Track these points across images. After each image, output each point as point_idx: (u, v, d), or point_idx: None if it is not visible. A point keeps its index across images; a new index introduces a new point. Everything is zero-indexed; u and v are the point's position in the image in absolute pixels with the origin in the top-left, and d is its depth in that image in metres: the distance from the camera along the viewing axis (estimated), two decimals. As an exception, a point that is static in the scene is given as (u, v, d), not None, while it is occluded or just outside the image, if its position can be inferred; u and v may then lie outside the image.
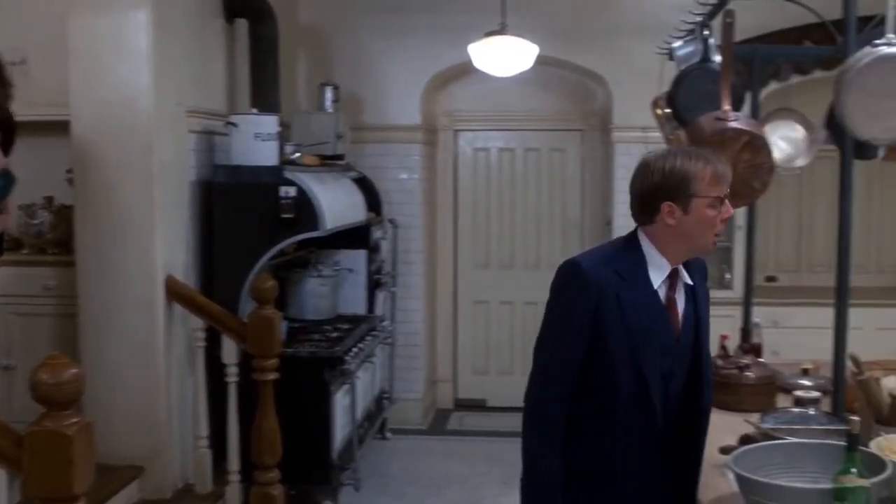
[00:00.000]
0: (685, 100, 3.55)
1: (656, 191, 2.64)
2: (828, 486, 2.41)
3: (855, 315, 7.19)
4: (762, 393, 3.64)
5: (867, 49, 2.72)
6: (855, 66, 2.70)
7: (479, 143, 7.89)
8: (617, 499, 2.78)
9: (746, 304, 4.66)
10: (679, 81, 3.65)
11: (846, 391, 3.27)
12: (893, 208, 7.72)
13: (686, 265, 2.77)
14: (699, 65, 3.60)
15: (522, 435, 2.82)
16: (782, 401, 3.69)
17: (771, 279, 7.76)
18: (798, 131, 4.93)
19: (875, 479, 2.46)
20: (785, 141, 4.91)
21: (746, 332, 4.48)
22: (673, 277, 2.72)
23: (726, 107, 2.97)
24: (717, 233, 2.67)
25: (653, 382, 2.69)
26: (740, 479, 2.59)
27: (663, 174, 2.63)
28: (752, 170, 2.95)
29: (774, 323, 6.43)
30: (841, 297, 3.17)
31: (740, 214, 6.19)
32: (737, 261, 6.94)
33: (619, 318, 2.64)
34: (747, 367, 3.75)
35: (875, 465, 2.58)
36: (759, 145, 2.95)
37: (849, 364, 3.22)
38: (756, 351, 4.25)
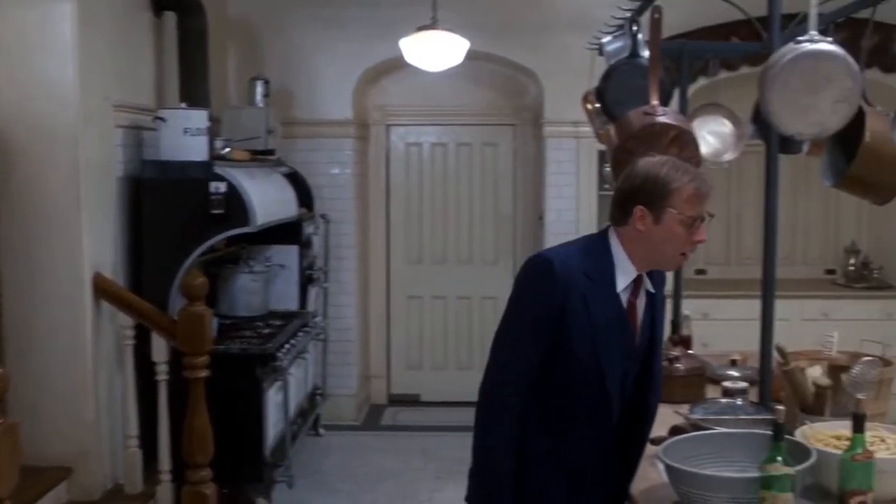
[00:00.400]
0: (614, 94, 3.58)
1: (635, 193, 2.62)
2: (755, 474, 2.45)
3: (782, 307, 7.29)
4: (692, 384, 3.70)
5: (790, 46, 2.76)
6: (778, 63, 2.75)
7: (412, 138, 7.89)
8: (568, 488, 2.78)
9: (676, 297, 4.71)
10: (608, 76, 3.68)
11: (773, 381, 3.32)
12: (819, 202, 7.86)
13: (650, 274, 2.76)
14: (628, 60, 3.64)
15: (476, 426, 2.77)
16: (711, 392, 3.74)
17: (700, 272, 7.86)
18: (726, 126, 4.99)
19: (800, 467, 2.50)
20: (713, 136, 4.96)
21: (676, 324, 4.54)
22: (637, 283, 2.72)
23: (654, 102, 3.00)
24: (685, 252, 2.65)
25: (611, 381, 2.70)
26: (670, 470, 2.62)
27: (645, 178, 2.62)
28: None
29: (704, 315, 6.52)
30: (767, 289, 3.22)
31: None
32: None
33: (584, 319, 2.63)
34: (677, 358, 3.80)
35: (800, 453, 2.63)
36: (686, 140, 2.99)
37: (775, 355, 3.28)
38: (686, 343, 4.31)
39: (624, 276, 2.69)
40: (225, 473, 4.98)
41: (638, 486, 2.85)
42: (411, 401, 7.89)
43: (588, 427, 2.74)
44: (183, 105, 5.37)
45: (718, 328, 6.18)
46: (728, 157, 4.92)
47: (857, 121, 3.28)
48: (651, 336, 2.83)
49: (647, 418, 2.89)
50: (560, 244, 2.82)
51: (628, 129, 3.02)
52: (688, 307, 4.86)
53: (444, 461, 6.33)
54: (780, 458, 2.39)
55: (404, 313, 7.95)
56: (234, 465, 5.09)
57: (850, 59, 2.72)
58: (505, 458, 2.71)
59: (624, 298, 2.71)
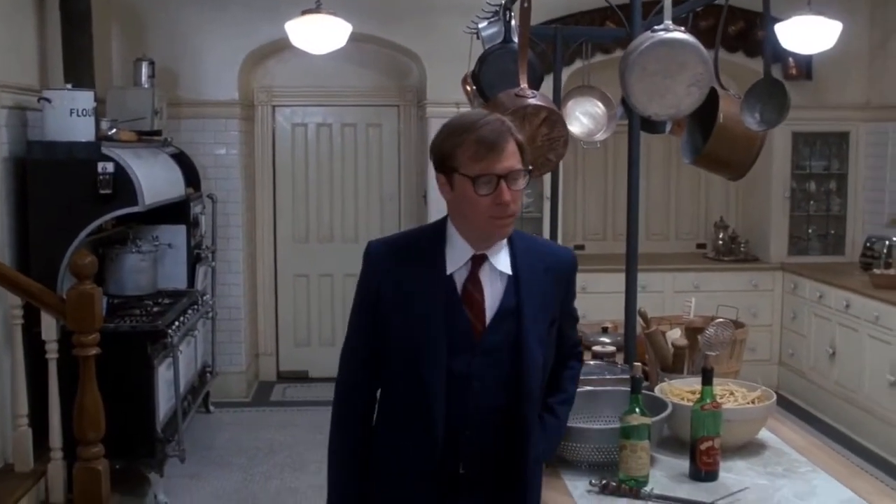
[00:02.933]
0: (489, 78, 3.78)
1: (433, 158, 2.36)
2: (616, 425, 2.70)
3: (656, 279, 7.70)
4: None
5: (647, 34, 3.00)
6: (637, 50, 2.98)
7: (297, 119, 7.99)
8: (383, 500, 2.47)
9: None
10: (483, 61, 3.88)
11: (638, 344, 3.58)
12: (690, 181, 8.24)
13: (529, 254, 2.41)
14: (501, 45, 3.84)
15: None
16: (586, 357, 3.98)
17: (579, 247, 8.16)
18: (598, 107, 5.24)
19: (656, 418, 2.77)
20: (586, 116, 5.21)
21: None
22: (476, 262, 2.35)
23: (523, 84, 3.21)
24: (497, 216, 2.27)
25: (434, 381, 2.31)
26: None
27: (433, 142, 2.37)
28: (550, 143, 3.20)
29: (582, 288, 6.74)
30: (630, 260, 3.46)
31: (547, 185, 6.48)
32: (546, 230, 7.28)
33: (399, 307, 2.34)
34: (551, 326, 4.03)
35: (658, 406, 2.90)
36: (555, 120, 3.20)
37: (639, 320, 3.54)
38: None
39: (456, 254, 2.35)
40: (117, 450, 5.05)
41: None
42: (300, 377, 8.03)
43: (410, 437, 2.37)
44: (68, 86, 5.40)
45: (596, 300, 6.45)
46: (600, 136, 5.17)
47: (713, 103, 3.57)
48: (517, 335, 2.36)
49: (522, 434, 2.38)
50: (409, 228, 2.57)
51: (501, 111, 3.21)
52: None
53: (332, 434, 6.50)
54: (637, 410, 2.64)
55: (292, 291, 8.07)
56: (126, 442, 5.17)
57: (701, 47, 2.96)
58: (341, 470, 2.47)
59: (458, 282, 2.35)
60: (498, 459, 2.39)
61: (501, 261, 2.38)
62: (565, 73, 6.63)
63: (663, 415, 2.82)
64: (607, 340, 4.17)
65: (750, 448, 2.97)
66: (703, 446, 2.69)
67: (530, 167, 2.34)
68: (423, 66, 7.43)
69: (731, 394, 3.04)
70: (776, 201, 7.79)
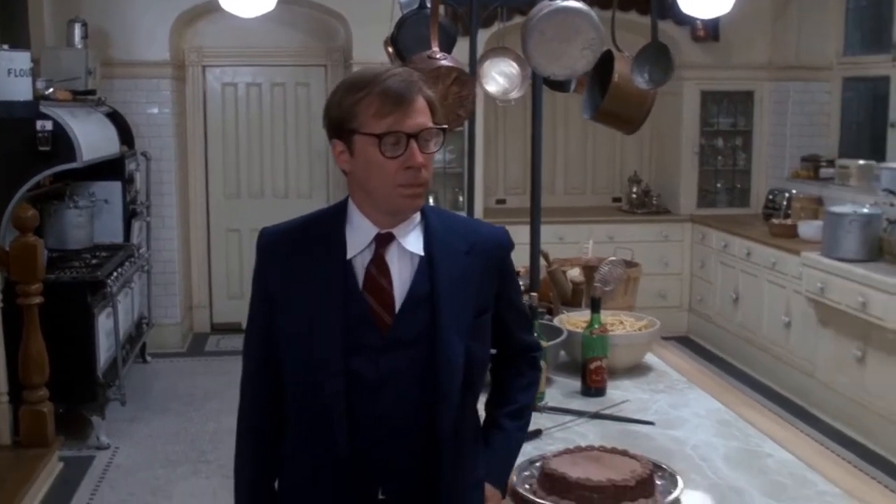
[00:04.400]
0: (406, 41, 4.08)
1: (327, 122, 2.02)
2: (515, 348, 3.08)
3: (573, 231, 8.09)
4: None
5: (545, 2, 3.34)
6: (536, 16, 3.32)
7: (227, 79, 8.22)
8: None
9: (470, 220, 5.30)
10: (401, 25, 4.18)
11: (543, 284, 3.96)
12: (606, 138, 8.62)
13: (447, 233, 2.08)
14: (418, 10, 4.14)
15: None
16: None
17: (501, 202, 8.52)
18: (513, 67, 5.55)
19: (551, 342, 3.15)
20: (501, 76, 5.51)
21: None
22: (382, 243, 2.02)
23: (435, 47, 3.54)
24: (406, 183, 1.95)
25: (329, 390, 1.98)
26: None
27: (329, 102, 2.02)
28: (460, 100, 3.53)
29: (502, 240, 7.18)
30: (535, 210, 3.80)
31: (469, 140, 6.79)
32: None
33: (290, 303, 2.03)
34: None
35: (557, 334, 3.28)
36: (464, 80, 3.53)
37: (543, 261, 3.91)
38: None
39: (358, 237, 2.03)
40: (60, 394, 5.38)
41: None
42: (233, 328, 8.30)
43: (315, 455, 2.04)
44: (5, 46, 5.59)
45: (516, 251, 6.81)
46: (515, 94, 5.47)
47: (610, 64, 3.93)
48: (431, 317, 2.01)
49: (439, 449, 2.02)
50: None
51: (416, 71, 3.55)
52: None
53: (266, 380, 6.82)
54: (535, 334, 3.02)
55: (224, 246, 8.34)
56: (69, 387, 5.46)
57: (594, 14, 3.31)
58: (247, 494, 2.19)
59: (360, 268, 2.02)
60: (425, 482, 2.03)
61: (412, 240, 2.04)
62: (484, 35, 6.98)
63: (558, 340, 3.21)
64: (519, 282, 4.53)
65: (637, 370, 3.38)
66: (592, 366, 3.09)
67: (444, 126, 2.02)
68: (349, 27, 7.70)
69: (621, 323, 3.44)
70: (686, 157, 8.22)
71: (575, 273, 3.81)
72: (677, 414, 2.97)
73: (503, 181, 8.63)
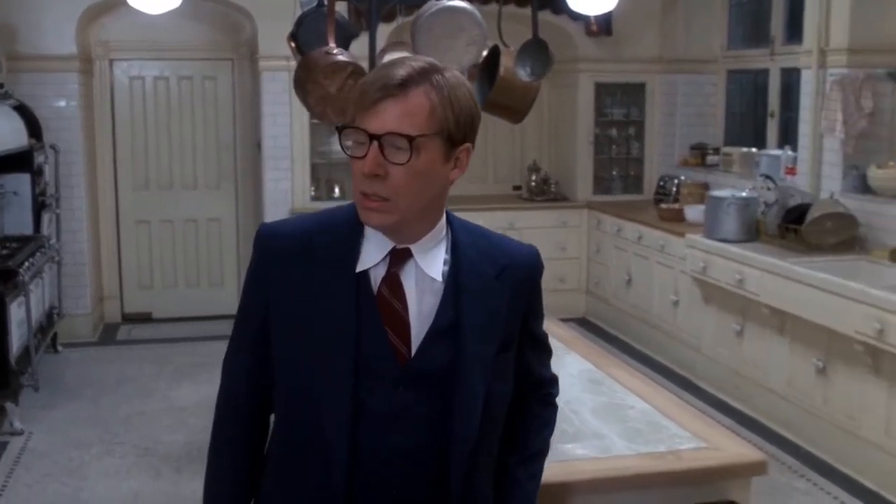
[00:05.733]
0: (305, 38, 4.32)
1: None
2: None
3: (475, 218, 8.37)
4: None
5: (433, 1, 3.64)
6: (424, 14, 3.62)
7: (135, 72, 8.35)
8: None
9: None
10: (301, 22, 4.42)
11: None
12: (507, 128, 8.89)
13: (476, 254, 1.87)
14: (316, 8, 4.39)
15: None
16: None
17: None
18: (411, 61, 5.86)
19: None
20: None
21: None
22: (396, 260, 1.81)
23: (332, 43, 3.81)
24: (364, 192, 1.75)
25: (333, 422, 1.79)
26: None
27: None
28: (355, 93, 3.81)
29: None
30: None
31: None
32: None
33: (292, 313, 1.83)
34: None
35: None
36: (360, 73, 3.80)
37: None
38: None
39: (373, 248, 1.82)
40: (-27, 381, 5.51)
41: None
42: (144, 318, 8.46)
43: (304, 487, 1.86)
44: (-88, 42, 5.70)
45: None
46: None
47: (498, 58, 4.23)
48: (455, 353, 1.81)
49: (446, 498, 1.85)
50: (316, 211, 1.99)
51: (314, 65, 3.81)
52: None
53: (177, 366, 7.02)
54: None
55: (134, 237, 8.46)
56: (-18, 374, 5.60)
57: (477, 13, 3.62)
58: (215, 473, 2.01)
59: (374, 283, 1.81)
60: None
61: (431, 261, 1.82)
62: (386, 30, 7.25)
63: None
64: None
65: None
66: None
67: (423, 134, 1.72)
68: (254, 21, 7.89)
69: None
70: (582, 146, 8.60)
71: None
72: (554, 375, 3.29)
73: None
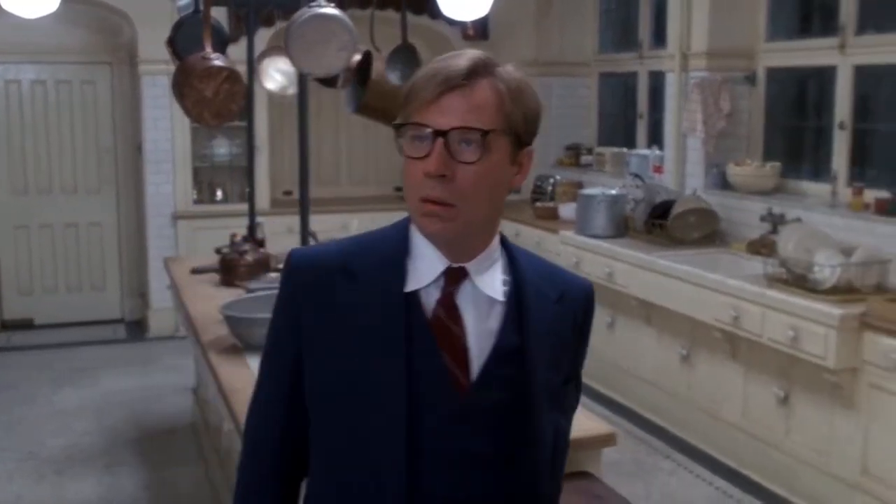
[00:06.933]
0: (183, 43, 4.43)
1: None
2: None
3: (358, 219, 8.41)
4: (258, 269, 4.70)
5: (305, 9, 3.78)
6: (297, 20, 3.75)
7: (10, 76, 8.26)
8: None
9: (251, 210, 5.64)
10: (178, 27, 4.53)
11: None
12: (387, 130, 9.08)
13: (536, 274, 1.70)
14: (193, 14, 4.50)
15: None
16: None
17: (288, 193, 8.86)
18: (289, 64, 5.97)
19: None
20: (279, 73, 5.93)
21: (252, 229, 5.49)
22: (452, 280, 1.63)
23: (208, 48, 3.92)
24: (425, 197, 1.56)
25: (384, 464, 1.57)
26: (229, 320, 3.61)
27: None
28: (231, 95, 3.93)
29: (289, 229, 7.56)
30: (304, 198, 4.23)
31: (257, 136, 7.12)
32: (260, 177, 7.90)
33: (331, 341, 1.62)
34: (247, 252, 4.79)
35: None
36: (235, 77, 3.94)
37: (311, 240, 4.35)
38: (259, 243, 5.30)
39: (423, 268, 1.62)
40: None
41: (205, 337, 3.80)
42: (25, 325, 8.36)
43: None
44: None
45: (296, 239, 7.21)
46: (291, 91, 5.90)
47: (370, 63, 4.39)
48: (521, 381, 1.62)
49: None
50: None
51: (191, 70, 3.92)
52: (283, 223, 5.92)
53: (59, 371, 7.00)
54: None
55: (13, 242, 8.36)
56: None
57: (347, 19, 3.77)
58: None
59: (430, 304, 1.61)
60: None
61: (489, 281, 1.65)
62: (266, 35, 7.37)
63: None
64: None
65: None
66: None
67: (490, 129, 1.55)
68: (133, 25, 7.89)
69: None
70: (461, 147, 8.79)
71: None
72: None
73: (289, 174, 8.96)
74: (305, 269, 1.67)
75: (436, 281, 1.61)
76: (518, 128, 1.60)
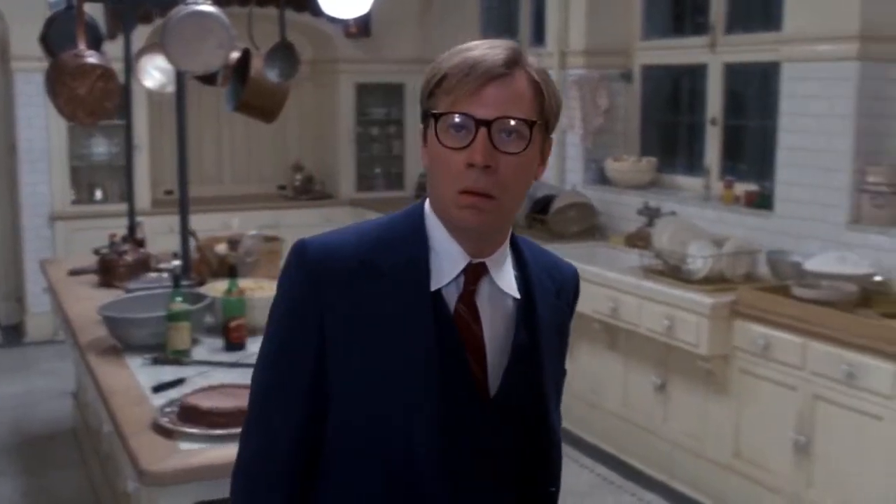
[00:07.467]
0: (56, 40, 4.35)
1: (420, 103, 1.62)
2: (162, 313, 3.48)
3: (240, 218, 8.36)
4: (137, 270, 4.65)
5: (182, 6, 3.75)
6: (174, 17, 3.73)
7: None
8: None
9: (131, 210, 5.57)
10: (50, 23, 4.44)
11: (198, 260, 4.37)
12: (269, 129, 8.95)
13: (539, 268, 1.68)
14: (66, 11, 4.41)
15: None
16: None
17: (169, 192, 8.73)
18: (167, 62, 5.90)
19: (196, 306, 3.57)
20: (158, 70, 5.85)
21: (132, 229, 5.42)
22: (472, 277, 1.59)
23: (82, 46, 3.86)
24: (463, 188, 1.51)
25: (427, 473, 1.54)
26: (108, 320, 3.57)
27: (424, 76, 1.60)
28: (106, 93, 3.88)
29: (171, 229, 7.45)
30: (183, 196, 4.21)
31: (138, 133, 6.99)
32: (140, 177, 7.77)
33: (359, 342, 1.56)
34: (126, 252, 4.73)
35: (201, 299, 3.71)
36: (109, 75, 3.88)
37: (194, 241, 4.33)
38: (139, 243, 5.23)
39: (445, 263, 1.58)
40: None
41: (83, 339, 3.75)
42: None
43: None
44: None
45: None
46: (170, 88, 5.83)
47: (248, 60, 4.38)
48: (535, 381, 1.63)
49: None
50: (354, 223, 1.71)
51: (63, 68, 3.86)
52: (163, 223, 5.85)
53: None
54: (179, 299, 3.43)
55: None
56: None
57: (224, 17, 3.75)
58: None
59: (451, 302, 1.58)
60: None
61: (505, 276, 1.62)
62: (145, 32, 7.25)
63: (202, 304, 3.63)
64: (177, 262, 4.90)
65: (277, 329, 3.85)
66: (233, 324, 3.54)
67: (534, 121, 1.53)
68: (5, 20, 7.68)
69: (262, 288, 3.91)
70: (344, 145, 8.81)
71: (221, 248, 4.24)
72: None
73: (171, 172, 8.83)
74: (328, 262, 1.57)
75: (455, 279, 1.57)
76: (550, 118, 1.58)
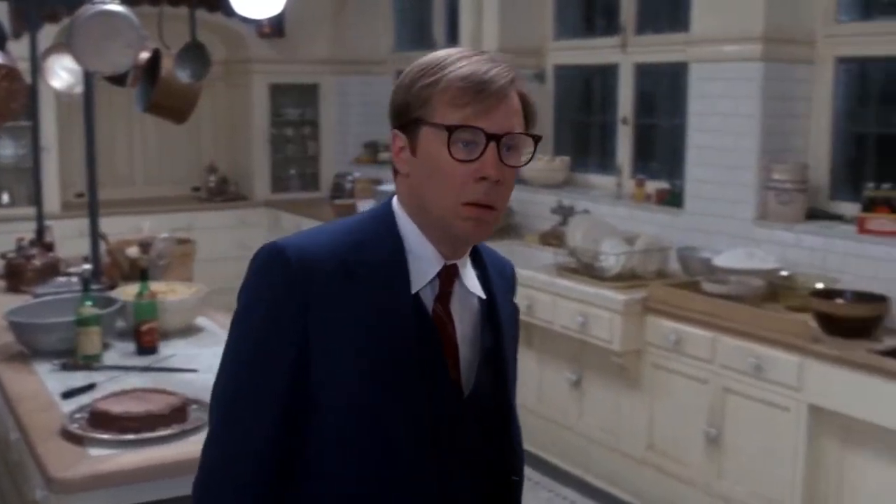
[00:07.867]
0: (-42, 39, 4.26)
1: (393, 107, 1.65)
2: (71, 318, 3.42)
3: (154, 221, 8.26)
4: (46, 274, 4.55)
5: (89, 5, 3.69)
6: (82, 17, 3.65)
7: None
8: None
9: (39, 213, 5.46)
10: (-48, 23, 4.35)
11: (110, 263, 4.30)
12: (183, 130, 8.79)
13: (494, 267, 1.72)
14: (-32, 10, 4.33)
15: None
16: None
17: (80, 195, 8.57)
18: (75, 62, 5.81)
19: (106, 311, 3.52)
20: (66, 71, 5.74)
21: (40, 233, 5.31)
22: (446, 278, 1.62)
23: (-15, 45, 3.79)
24: (473, 201, 1.53)
25: (409, 466, 1.56)
26: (14, 325, 3.50)
27: (400, 81, 1.65)
28: (11, 94, 3.80)
29: (81, 233, 7.30)
30: (92, 199, 4.14)
31: (45, 135, 6.85)
32: (49, 179, 7.62)
33: (342, 343, 1.54)
34: (34, 256, 4.63)
35: (112, 303, 3.65)
36: (15, 76, 3.80)
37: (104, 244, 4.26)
38: (48, 246, 5.12)
39: (423, 265, 1.60)
40: None
41: (-7, 344, 3.67)
42: None
43: None
44: None
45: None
46: (78, 89, 5.73)
47: (159, 61, 4.32)
48: (498, 379, 1.68)
49: None
50: (318, 225, 1.71)
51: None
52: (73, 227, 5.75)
53: None
54: (88, 303, 3.38)
55: None
56: None
57: (134, 17, 3.70)
58: None
59: (428, 304, 1.60)
60: None
61: (471, 277, 1.66)
62: (52, 31, 7.11)
63: (113, 308, 3.58)
64: (87, 266, 4.82)
65: (191, 331, 3.82)
66: (144, 328, 3.49)
67: (539, 135, 1.60)
68: None
69: (174, 291, 3.87)
70: (258, 146, 8.75)
71: (133, 251, 4.18)
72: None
73: (81, 175, 8.67)
74: (308, 264, 1.54)
75: (431, 281, 1.60)
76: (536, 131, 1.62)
